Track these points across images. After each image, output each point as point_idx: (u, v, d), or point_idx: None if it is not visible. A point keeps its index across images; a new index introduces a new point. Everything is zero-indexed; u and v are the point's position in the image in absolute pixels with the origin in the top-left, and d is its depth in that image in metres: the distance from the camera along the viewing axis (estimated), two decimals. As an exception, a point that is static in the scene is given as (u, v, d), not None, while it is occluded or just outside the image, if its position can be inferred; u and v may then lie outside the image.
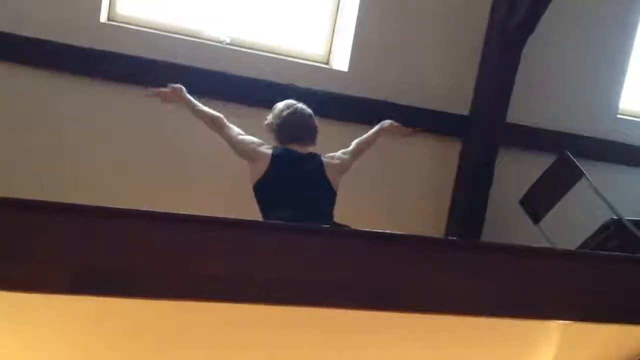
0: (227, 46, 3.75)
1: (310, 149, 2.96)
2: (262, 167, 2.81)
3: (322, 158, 2.93)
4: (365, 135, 3.24)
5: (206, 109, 3.02)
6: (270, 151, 2.85)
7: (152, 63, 3.54)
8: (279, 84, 3.71)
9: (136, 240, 1.62)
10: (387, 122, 3.30)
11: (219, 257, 1.66)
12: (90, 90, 3.54)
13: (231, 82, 3.65)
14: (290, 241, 1.76)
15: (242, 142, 2.92)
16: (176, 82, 3.58)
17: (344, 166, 3.04)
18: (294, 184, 2.79)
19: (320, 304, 1.69)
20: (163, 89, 3.05)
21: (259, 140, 2.95)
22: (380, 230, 1.87)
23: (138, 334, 1.84)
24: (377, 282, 1.73)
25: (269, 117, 3.01)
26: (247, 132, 3.71)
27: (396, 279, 1.76)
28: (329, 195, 2.89)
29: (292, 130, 2.93)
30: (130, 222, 1.64)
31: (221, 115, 3.00)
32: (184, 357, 1.98)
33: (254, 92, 3.68)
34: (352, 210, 3.10)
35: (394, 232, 1.90)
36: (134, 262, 1.60)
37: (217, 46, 3.73)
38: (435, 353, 2.13)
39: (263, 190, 2.79)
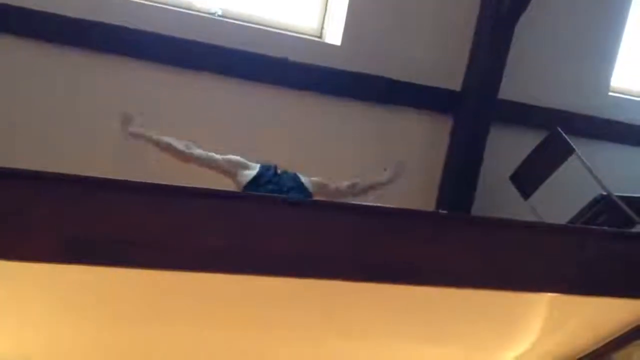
0: (219, 18, 3.72)
1: None
2: (250, 174, 2.80)
3: (298, 174, 2.91)
4: (364, 182, 3.10)
5: (171, 139, 2.89)
6: (256, 164, 2.85)
7: (142, 35, 3.50)
8: (271, 57, 3.68)
9: (129, 211, 1.63)
10: (386, 177, 3.17)
11: (213, 229, 1.67)
12: (80, 62, 3.50)
13: (222, 55, 3.62)
14: (286, 214, 1.77)
15: (226, 159, 2.87)
16: (167, 54, 3.56)
17: (322, 188, 2.96)
18: (276, 192, 2.80)
19: (315, 276, 1.70)
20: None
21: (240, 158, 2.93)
22: (372, 204, 1.89)
23: (129, 303, 1.85)
24: (370, 255, 1.74)
25: None
26: (238, 108, 3.70)
27: (388, 252, 1.77)
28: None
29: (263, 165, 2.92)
30: (124, 192, 1.65)
31: (189, 142, 2.90)
32: (179, 325, 2.00)
33: (245, 65, 3.66)
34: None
35: (387, 206, 1.91)
36: (128, 232, 1.60)
37: (209, 18, 3.69)
38: (425, 324, 2.15)
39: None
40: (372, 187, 3.15)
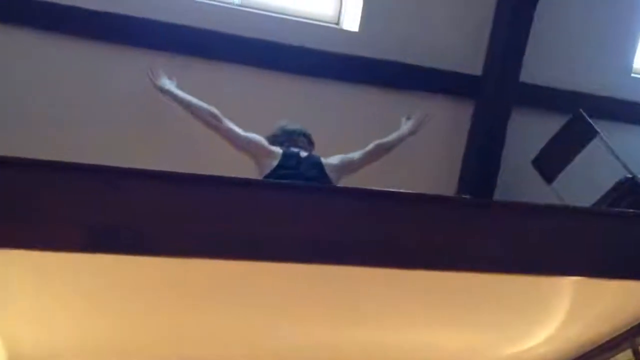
0: (236, 7, 3.71)
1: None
2: (273, 162, 2.77)
3: (321, 159, 2.89)
4: (388, 138, 3.13)
5: (197, 102, 2.91)
6: (279, 150, 2.82)
7: (160, 25, 3.50)
8: (288, 46, 3.67)
9: (147, 200, 1.64)
10: (409, 127, 3.17)
11: (229, 216, 1.67)
12: (99, 54, 3.51)
13: (240, 44, 3.61)
14: (312, 201, 1.76)
15: (251, 139, 2.85)
16: (184, 44, 3.55)
17: (349, 165, 2.96)
18: (298, 181, 2.76)
19: (340, 264, 1.70)
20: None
21: (264, 138, 2.90)
22: (394, 190, 1.87)
23: (149, 290, 1.87)
24: (394, 242, 1.73)
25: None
26: (255, 98, 3.68)
27: (412, 238, 1.76)
28: None
29: (289, 137, 2.91)
30: (141, 181, 1.66)
31: (215, 110, 2.89)
32: (192, 310, 2.01)
33: (263, 54, 3.65)
34: (362, 170, 3.10)
35: (410, 192, 1.90)
36: (145, 222, 1.61)
37: (227, 7, 3.69)
38: (447, 310, 2.14)
39: None
40: (398, 141, 3.11)
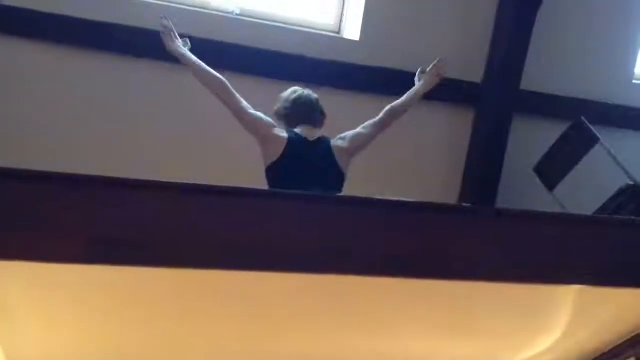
0: (236, 17, 3.72)
1: (318, 134, 2.88)
2: (278, 149, 2.71)
3: (331, 142, 2.85)
4: (401, 99, 2.99)
5: (208, 69, 2.83)
6: (285, 135, 2.77)
7: (159, 35, 3.51)
8: (289, 55, 3.67)
9: (148, 211, 1.63)
10: (424, 82, 3.00)
11: (232, 226, 1.67)
12: (98, 64, 3.53)
13: (241, 54, 3.62)
14: (312, 210, 1.76)
15: (257, 119, 2.78)
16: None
17: (359, 143, 2.88)
18: (305, 169, 2.72)
19: (343, 273, 1.69)
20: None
21: (271, 121, 2.83)
22: (397, 199, 1.87)
23: (149, 301, 1.86)
24: (396, 250, 1.73)
25: (276, 106, 2.91)
26: (256, 107, 3.69)
27: (414, 247, 1.76)
28: (338, 180, 2.81)
29: (301, 111, 2.85)
30: (143, 192, 1.65)
31: (225, 80, 2.81)
32: (194, 321, 2.00)
33: (263, 63, 3.66)
34: (365, 178, 3.09)
35: (412, 200, 1.90)
36: (147, 233, 1.61)
37: (227, 17, 3.70)
38: (451, 318, 2.13)
39: (275, 173, 2.73)
40: (413, 99, 2.99)
